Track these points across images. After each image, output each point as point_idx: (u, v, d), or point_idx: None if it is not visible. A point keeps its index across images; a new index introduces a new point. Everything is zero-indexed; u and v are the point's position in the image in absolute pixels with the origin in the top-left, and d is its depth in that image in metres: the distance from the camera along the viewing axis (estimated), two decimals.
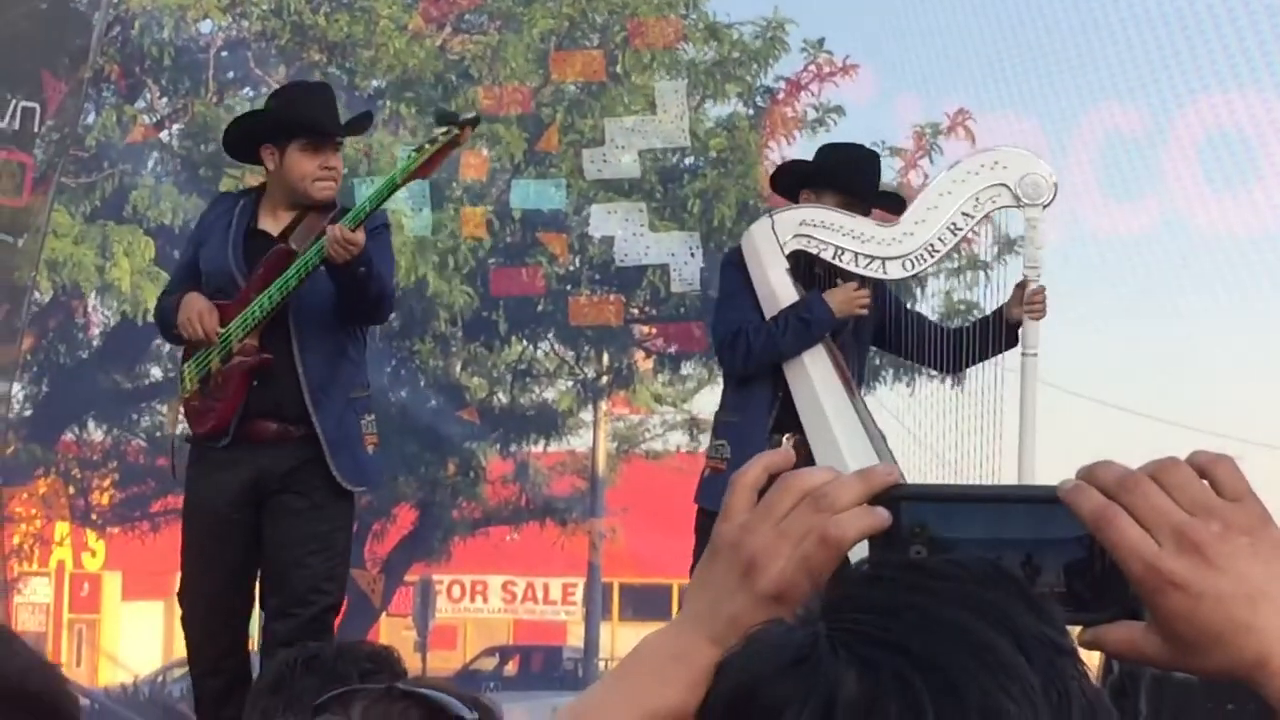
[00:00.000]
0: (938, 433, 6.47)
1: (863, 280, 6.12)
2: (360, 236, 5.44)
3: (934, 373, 6.65)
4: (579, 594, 26.53)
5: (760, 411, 6.07)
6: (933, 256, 6.16)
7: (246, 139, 5.88)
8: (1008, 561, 1.21)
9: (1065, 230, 18.84)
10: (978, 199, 6.10)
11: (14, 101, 10.69)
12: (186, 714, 20.66)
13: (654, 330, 19.55)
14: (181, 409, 6.00)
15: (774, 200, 8.25)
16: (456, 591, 28.43)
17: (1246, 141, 18.77)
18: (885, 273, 6.12)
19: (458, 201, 17.81)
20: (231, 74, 19.38)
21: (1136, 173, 20.54)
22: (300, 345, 5.70)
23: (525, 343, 20.27)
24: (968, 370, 6.43)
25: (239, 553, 5.70)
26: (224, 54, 19.13)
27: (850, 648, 1.10)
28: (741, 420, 6.11)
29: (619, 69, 17.77)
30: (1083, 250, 20.62)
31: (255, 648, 5.97)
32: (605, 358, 20.51)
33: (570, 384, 21.04)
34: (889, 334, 6.42)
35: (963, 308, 15.65)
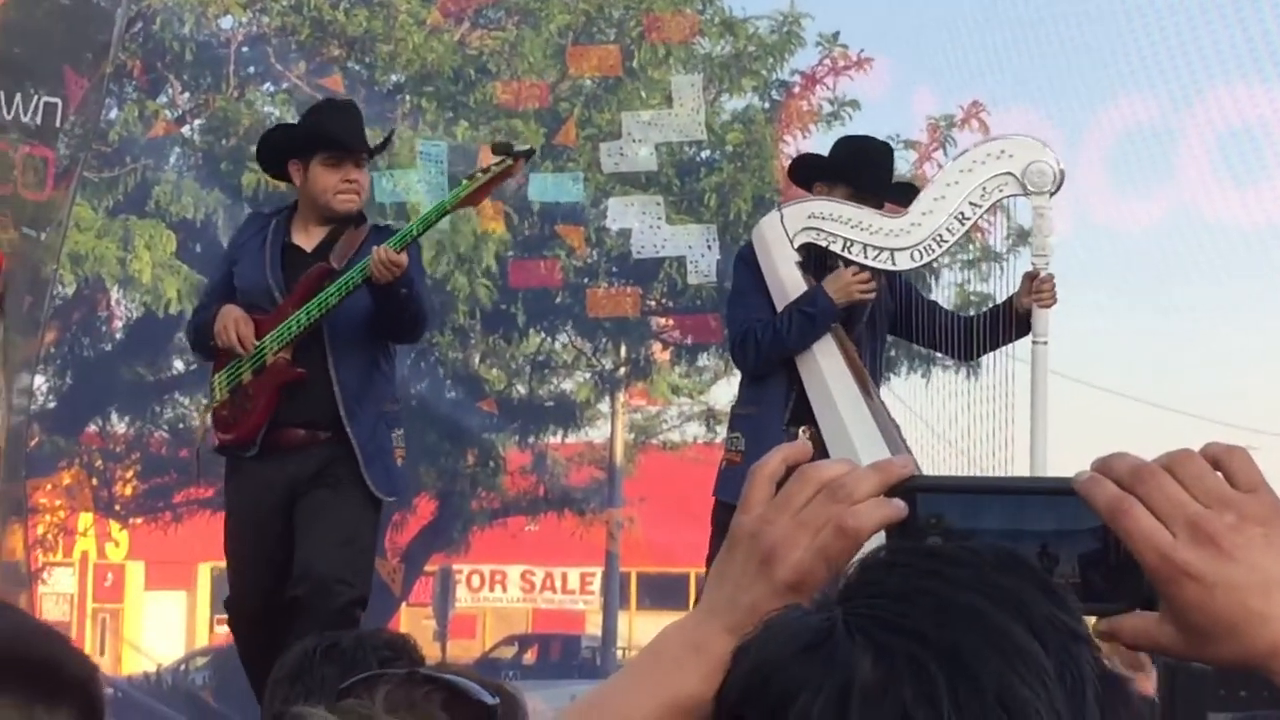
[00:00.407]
0: (950, 419, 6.53)
1: (873, 271, 6.12)
2: (404, 259, 5.59)
3: (949, 361, 6.68)
4: (597, 583, 26.58)
5: (776, 404, 6.11)
6: (941, 246, 6.16)
7: (275, 154, 6.02)
8: (1023, 552, 1.21)
9: (1078, 222, 18.90)
10: (985, 188, 6.11)
11: (37, 97, 10.77)
12: (208, 702, 20.82)
13: (671, 322, 19.55)
14: (209, 417, 6.10)
15: (789, 193, 8.30)
16: (476, 581, 28.48)
17: (1258, 135, 18.82)
18: (894, 263, 6.13)
19: None
20: (252, 69, 19.46)
21: (1149, 165, 20.58)
22: (335, 359, 5.81)
23: (543, 334, 20.31)
24: (981, 359, 6.47)
25: (280, 566, 5.77)
26: (244, 49, 19.21)
27: (866, 632, 1.11)
28: (757, 413, 6.15)
29: (635, 63, 17.83)
30: (1095, 242, 20.67)
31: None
32: (623, 349, 20.52)
33: (588, 375, 21.07)
34: (903, 322, 6.44)
35: (976, 299, 15.70)
